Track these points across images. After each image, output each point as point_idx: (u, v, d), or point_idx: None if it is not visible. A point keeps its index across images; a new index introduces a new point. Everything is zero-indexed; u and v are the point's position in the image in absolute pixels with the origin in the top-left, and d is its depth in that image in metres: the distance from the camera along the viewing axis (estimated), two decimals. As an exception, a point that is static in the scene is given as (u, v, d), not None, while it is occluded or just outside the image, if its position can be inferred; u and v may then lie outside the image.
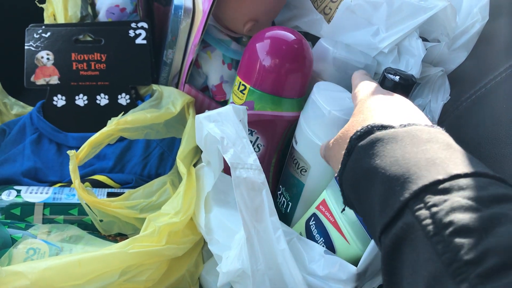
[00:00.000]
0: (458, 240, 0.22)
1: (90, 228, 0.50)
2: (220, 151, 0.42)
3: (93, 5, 0.64)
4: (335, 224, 0.43)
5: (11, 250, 0.44)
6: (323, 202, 0.44)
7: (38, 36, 0.59)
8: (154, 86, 0.59)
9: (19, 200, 0.50)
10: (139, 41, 0.59)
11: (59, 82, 0.58)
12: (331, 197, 0.43)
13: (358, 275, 0.40)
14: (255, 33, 0.52)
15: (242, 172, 0.41)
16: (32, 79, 0.58)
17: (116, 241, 0.47)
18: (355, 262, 0.41)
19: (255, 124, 0.51)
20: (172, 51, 0.58)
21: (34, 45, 0.58)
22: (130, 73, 0.59)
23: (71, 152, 0.46)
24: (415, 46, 0.51)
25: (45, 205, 0.50)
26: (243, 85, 0.51)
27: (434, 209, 0.24)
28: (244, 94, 0.51)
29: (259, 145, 0.53)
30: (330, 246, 0.43)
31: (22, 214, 0.50)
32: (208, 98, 0.61)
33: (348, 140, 0.32)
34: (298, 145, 0.50)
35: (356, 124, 0.33)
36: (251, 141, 0.44)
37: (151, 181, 0.52)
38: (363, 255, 0.40)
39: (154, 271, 0.44)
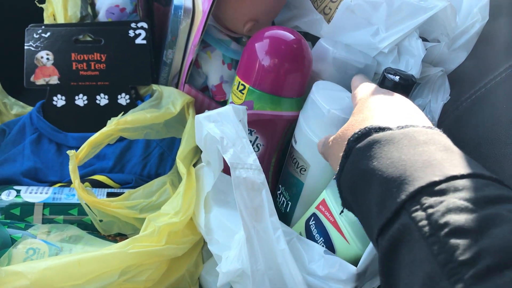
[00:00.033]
0: (453, 241, 0.22)
1: (89, 228, 0.50)
2: (220, 151, 0.42)
3: (93, 5, 0.64)
4: (334, 224, 0.43)
5: (11, 250, 0.44)
6: (323, 202, 0.44)
7: (38, 36, 0.59)
8: (154, 86, 0.59)
9: (18, 200, 0.50)
10: (139, 41, 0.59)
11: (59, 82, 0.58)
12: (331, 196, 0.43)
13: (358, 275, 0.40)
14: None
15: (242, 172, 0.41)
16: (31, 79, 0.58)
17: (115, 241, 0.47)
18: (354, 262, 0.41)
19: (255, 124, 0.51)
20: (172, 51, 0.58)
21: (34, 45, 0.58)
22: (130, 73, 0.59)
23: (70, 152, 0.46)
24: (415, 46, 0.51)
25: (45, 205, 0.50)
26: (242, 84, 0.51)
27: (430, 210, 0.24)
28: (243, 93, 0.51)
29: (259, 145, 0.53)
30: (329, 246, 0.43)
31: (21, 214, 0.50)
32: (208, 98, 0.61)
33: (346, 142, 0.32)
34: (298, 145, 0.50)
35: (355, 124, 0.34)
36: (250, 141, 0.44)
37: (151, 181, 0.52)
38: (363, 255, 0.40)
39: (154, 271, 0.44)
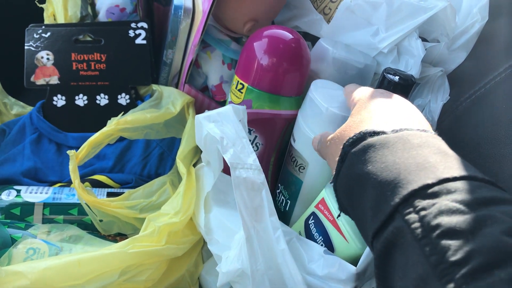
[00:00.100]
0: (444, 242, 0.23)
1: (89, 228, 0.50)
2: (220, 151, 0.42)
3: (93, 5, 0.64)
4: (334, 223, 0.43)
5: (11, 250, 0.44)
6: (322, 201, 0.44)
7: (38, 36, 0.59)
8: (154, 86, 0.59)
9: (19, 200, 0.50)
10: (139, 41, 0.59)
11: (59, 82, 0.58)
12: (330, 196, 0.43)
13: (358, 275, 0.40)
14: (255, 33, 0.52)
15: (242, 172, 0.41)
16: (32, 79, 0.58)
17: (115, 241, 0.47)
18: (354, 261, 0.41)
19: (253, 123, 0.51)
20: (172, 51, 0.58)
21: (34, 45, 0.58)
22: (130, 73, 0.59)
23: (71, 152, 0.46)
24: (414, 46, 0.51)
25: (45, 205, 0.50)
26: (241, 84, 0.51)
27: (422, 213, 0.24)
28: (242, 93, 0.51)
29: (258, 144, 0.53)
30: (329, 245, 0.43)
31: (22, 214, 0.50)
32: (208, 98, 0.61)
33: (341, 147, 0.33)
34: (296, 143, 0.50)
35: (352, 125, 0.34)
36: (249, 140, 0.44)
37: (151, 181, 0.52)
38: (362, 255, 0.40)
39: (153, 271, 0.44)
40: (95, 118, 0.58)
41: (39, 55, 0.58)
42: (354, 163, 0.30)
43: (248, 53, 0.51)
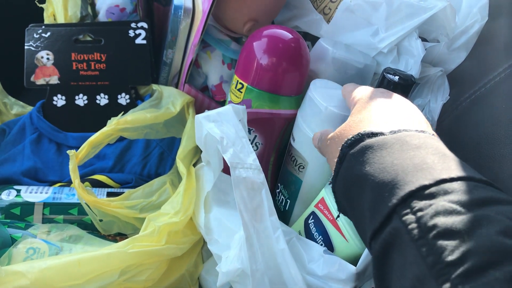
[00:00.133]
0: (441, 242, 0.23)
1: (89, 227, 0.50)
2: (220, 151, 0.42)
3: (93, 5, 0.64)
4: (333, 223, 0.43)
5: (11, 249, 0.44)
6: (322, 201, 0.44)
7: (38, 36, 0.59)
8: (154, 86, 0.59)
9: (19, 199, 0.50)
10: (139, 41, 0.59)
11: (59, 82, 0.58)
12: (330, 195, 0.43)
13: (358, 275, 0.40)
14: (255, 33, 0.52)
15: (242, 171, 0.41)
16: (32, 79, 0.58)
17: (115, 241, 0.47)
18: (353, 260, 0.41)
19: (253, 122, 0.51)
20: (172, 51, 0.58)
21: (34, 45, 0.58)
22: (130, 73, 0.59)
23: (71, 152, 0.46)
24: (414, 46, 0.51)
25: (45, 204, 0.50)
26: (240, 83, 0.51)
27: (419, 214, 0.24)
28: (241, 92, 0.51)
29: (257, 144, 0.53)
30: (328, 244, 0.43)
31: (22, 213, 0.50)
32: (208, 98, 0.61)
33: (339, 148, 0.33)
34: (296, 142, 0.50)
35: (352, 125, 0.34)
36: (249, 140, 0.44)
37: (151, 181, 0.52)
38: (362, 255, 0.40)
39: (153, 271, 0.44)
40: (95, 118, 0.58)
41: (39, 55, 0.58)
42: (353, 164, 0.31)
43: (247, 52, 0.51)
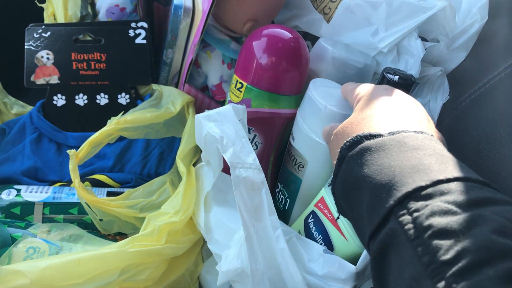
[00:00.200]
0: (436, 242, 0.23)
1: (90, 227, 0.50)
2: (220, 150, 0.42)
3: (93, 4, 0.64)
4: (333, 222, 0.43)
5: (11, 249, 0.44)
6: (322, 200, 0.44)
7: (38, 35, 0.59)
8: (154, 86, 0.59)
9: (19, 199, 0.50)
10: (139, 40, 0.59)
11: (59, 81, 0.58)
12: (330, 194, 0.43)
13: (357, 274, 0.40)
14: (255, 32, 0.52)
15: (242, 171, 0.41)
16: (32, 78, 0.58)
17: (115, 240, 0.47)
18: (353, 260, 0.41)
19: (253, 122, 0.51)
20: (172, 50, 0.58)
21: (34, 45, 0.58)
22: (130, 73, 0.59)
23: (71, 152, 0.46)
24: (414, 45, 0.51)
25: (45, 204, 0.50)
26: (240, 83, 0.51)
27: (415, 214, 0.25)
28: (241, 92, 0.51)
29: (257, 143, 0.53)
30: (328, 244, 0.43)
31: (22, 213, 0.50)
32: (208, 98, 0.62)
33: (340, 149, 0.33)
34: (295, 142, 0.50)
35: (354, 122, 0.34)
36: (248, 139, 0.44)
37: (151, 181, 0.52)
38: (362, 254, 0.40)
39: (153, 270, 0.44)
40: (95, 118, 0.58)
41: (39, 54, 0.58)
42: (351, 166, 0.31)
43: (247, 52, 0.51)
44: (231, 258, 0.41)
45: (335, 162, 0.34)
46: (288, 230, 0.45)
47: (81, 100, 0.59)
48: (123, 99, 0.59)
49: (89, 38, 0.60)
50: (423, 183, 0.26)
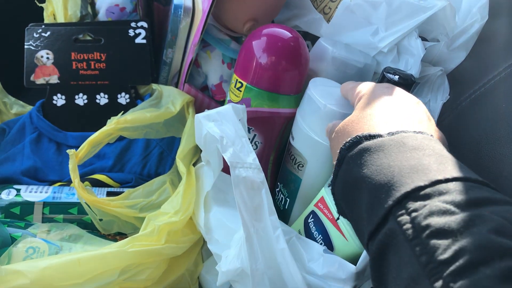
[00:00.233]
0: (434, 241, 0.23)
1: (89, 227, 0.50)
2: (220, 150, 0.42)
3: (92, 4, 0.64)
4: (333, 222, 0.43)
5: (11, 249, 0.44)
6: (322, 200, 0.44)
7: (37, 35, 0.59)
8: (154, 86, 0.59)
9: (18, 199, 0.50)
10: (138, 40, 0.59)
11: (58, 81, 0.58)
12: (330, 194, 0.43)
13: (357, 274, 0.40)
14: (255, 32, 0.52)
15: (242, 171, 0.41)
16: (31, 78, 0.58)
17: (115, 240, 0.47)
18: (353, 260, 0.41)
19: (253, 121, 0.51)
20: (171, 50, 0.58)
21: (34, 45, 0.58)
22: (129, 73, 0.59)
23: (70, 151, 0.46)
24: (414, 45, 0.51)
25: (45, 204, 0.50)
26: (239, 82, 0.51)
27: (413, 214, 0.25)
28: (240, 91, 0.51)
29: (257, 143, 0.53)
30: (328, 244, 0.43)
31: (21, 213, 0.50)
32: (208, 98, 0.61)
33: (339, 149, 0.33)
34: (295, 141, 0.50)
35: (355, 120, 0.35)
36: (248, 139, 0.44)
37: (151, 181, 0.52)
38: (362, 254, 0.40)
39: (153, 270, 0.44)
40: (95, 118, 0.58)
41: (39, 54, 0.58)
42: (351, 167, 0.31)
43: (246, 51, 0.51)
44: (231, 258, 0.41)
45: (335, 162, 0.34)
46: (288, 230, 0.45)
47: (81, 99, 0.59)
48: (123, 98, 0.59)
49: (89, 38, 0.59)
50: (422, 183, 0.26)
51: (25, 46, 0.58)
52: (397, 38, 0.51)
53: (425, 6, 0.49)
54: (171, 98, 0.56)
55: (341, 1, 0.53)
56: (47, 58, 0.58)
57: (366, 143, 0.30)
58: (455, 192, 0.25)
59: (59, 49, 0.58)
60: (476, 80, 0.49)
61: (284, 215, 0.54)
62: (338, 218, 0.42)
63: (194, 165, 0.53)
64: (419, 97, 0.53)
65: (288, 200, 0.53)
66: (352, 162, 0.31)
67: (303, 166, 0.49)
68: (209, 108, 0.48)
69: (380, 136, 0.31)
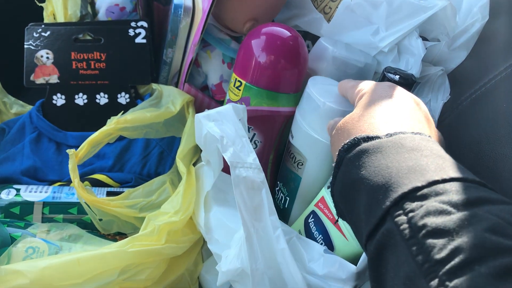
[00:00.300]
0: (430, 241, 0.23)
1: (89, 227, 0.50)
2: (220, 150, 0.42)
3: (92, 4, 0.64)
4: (333, 222, 0.43)
5: (11, 249, 0.44)
6: (322, 200, 0.44)
7: (37, 35, 0.58)
8: (154, 85, 0.59)
9: (18, 199, 0.50)
10: (138, 40, 0.59)
11: (58, 81, 0.58)
12: (330, 194, 0.43)
13: (358, 274, 0.40)
14: (255, 32, 0.52)
15: (242, 171, 0.41)
16: (31, 78, 0.58)
17: (115, 240, 0.47)
18: (354, 260, 0.41)
19: (252, 120, 0.51)
20: (171, 50, 0.58)
21: (34, 44, 0.58)
22: (129, 72, 0.59)
23: (70, 151, 0.46)
24: (415, 45, 0.51)
25: (45, 204, 0.50)
26: (239, 81, 0.51)
27: (410, 214, 0.25)
28: (240, 90, 0.51)
29: (256, 142, 0.53)
30: (329, 244, 0.43)
31: (21, 213, 0.49)
32: (208, 97, 0.61)
33: (338, 151, 0.33)
34: (295, 139, 0.50)
35: (355, 118, 0.35)
36: (248, 138, 0.44)
37: (151, 180, 0.52)
38: (362, 254, 0.40)
39: (153, 270, 0.44)
40: (95, 117, 0.58)
41: (38, 54, 0.58)
42: (349, 168, 0.31)
43: (245, 50, 0.51)
44: (231, 258, 0.41)
45: (335, 157, 0.34)
46: (288, 230, 0.45)
47: (80, 99, 0.59)
48: (122, 98, 0.59)
49: (88, 38, 0.59)
50: (419, 184, 0.26)
51: (25, 46, 0.58)
52: (397, 38, 0.51)
53: (425, 5, 0.49)
54: (171, 97, 0.56)
55: (342, 0, 0.53)
56: (47, 57, 0.58)
57: (364, 145, 0.31)
58: (452, 192, 0.25)
59: (59, 49, 0.58)
60: (476, 80, 0.49)
61: (284, 214, 0.54)
62: (337, 221, 0.42)
63: (194, 165, 0.53)
64: (420, 97, 0.53)
65: (288, 199, 0.53)
66: (350, 164, 0.31)
67: (302, 164, 0.49)
68: (209, 108, 0.48)
69: (378, 137, 0.31)
